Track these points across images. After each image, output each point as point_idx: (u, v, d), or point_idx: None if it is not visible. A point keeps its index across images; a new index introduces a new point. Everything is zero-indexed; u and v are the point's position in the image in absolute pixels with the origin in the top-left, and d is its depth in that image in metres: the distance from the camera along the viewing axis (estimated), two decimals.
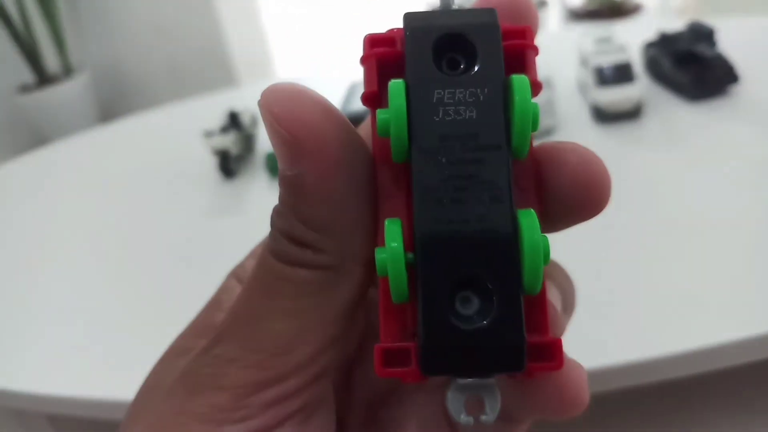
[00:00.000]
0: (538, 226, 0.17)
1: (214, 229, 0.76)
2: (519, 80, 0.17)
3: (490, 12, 0.18)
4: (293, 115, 0.17)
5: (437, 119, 0.17)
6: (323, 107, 0.18)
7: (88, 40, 2.54)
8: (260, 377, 0.19)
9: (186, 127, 0.96)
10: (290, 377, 0.19)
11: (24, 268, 0.77)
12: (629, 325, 0.50)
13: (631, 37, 0.88)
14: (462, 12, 0.18)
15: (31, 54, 2.36)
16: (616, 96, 0.77)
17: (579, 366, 0.20)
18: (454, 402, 0.18)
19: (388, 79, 0.18)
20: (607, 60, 0.79)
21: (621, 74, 0.78)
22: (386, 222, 0.17)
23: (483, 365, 0.17)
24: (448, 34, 0.18)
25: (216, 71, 2.48)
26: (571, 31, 1.15)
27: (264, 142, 0.90)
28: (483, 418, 0.18)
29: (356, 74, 0.95)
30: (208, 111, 0.95)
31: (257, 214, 0.76)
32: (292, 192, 0.19)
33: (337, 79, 1.00)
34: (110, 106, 2.57)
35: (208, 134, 0.83)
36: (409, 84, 0.17)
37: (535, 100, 0.18)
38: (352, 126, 0.19)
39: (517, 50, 0.18)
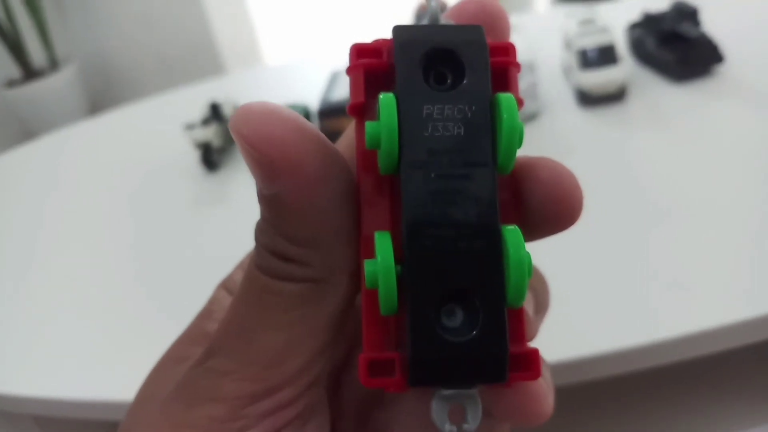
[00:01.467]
0: (523, 242, 0.17)
1: (198, 222, 0.76)
2: (506, 99, 0.17)
3: (477, 29, 0.18)
4: (264, 136, 0.17)
5: (426, 134, 0.17)
6: (295, 125, 0.18)
7: (73, 33, 2.53)
8: (255, 389, 0.19)
9: (172, 119, 0.95)
10: (284, 387, 0.20)
11: (9, 266, 0.77)
12: (613, 313, 0.49)
13: (615, 18, 0.87)
14: (450, 28, 0.18)
15: (15, 48, 2.34)
16: (600, 78, 0.77)
17: (543, 377, 0.20)
18: (438, 412, 0.18)
19: (375, 90, 0.18)
20: (591, 42, 0.78)
21: (605, 56, 0.77)
22: (376, 235, 0.18)
23: (468, 376, 0.18)
24: (438, 49, 0.18)
25: (204, 60, 2.47)
26: (557, 12, 1.14)
27: None
28: (465, 426, 0.18)
29: (338, 62, 0.95)
30: (194, 102, 0.94)
31: (241, 206, 0.76)
32: (272, 210, 0.19)
33: (321, 67, 0.99)
34: (98, 98, 2.55)
35: (189, 127, 0.82)
36: (399, 98, 0.18)
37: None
38: (327, 140, 0.19)
39: (501, 67, 0.19)
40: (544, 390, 0.20)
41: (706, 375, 0.58)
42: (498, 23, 0.21)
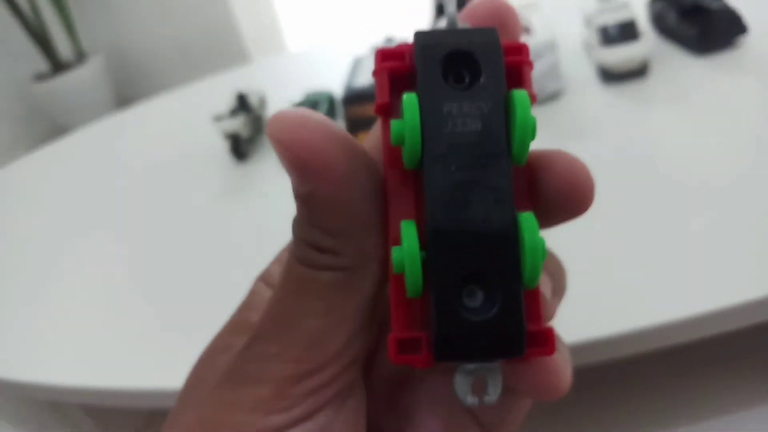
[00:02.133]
0: (538, 227, 0.18)
1: (229, 212, 0.78)
2: (520, 95, 0.19)
3: (492, 31, 0.20)
4: (298, 140, 0.19)
5: (446, 130, 0.19)
6: (325, 128, 0.20)
7: (97, 25, 2.55)
8: (299, 370, 0.21)
9: (198, 110, 0.97)
10: (324, 368, 0.21)
11: (48, 259, 0.79)
12: (640, 289, 0.50)
13: None
14: (467, 31, 0.20)
15: (42, 42, 2.37)
16: (621, 55, 0.77)
17: (560, 354, 0.21)
18: (461, 385, 0.20)
19: (399, 91, 0.20)
20: (612, 18, 0.78)
21: (626, 32, 0.77)
22: (402, 223, 0.19)
23: (489, 352, 0.19)
24: (456, 51, 0.19)
25: (226, 47, 2.48)
26: None
27: None
28: (486, 398, 0.20)
29: (361, 47, 0.95)
30: (219, 91, 0.96)
31: (270, 195, 0.78)
32: (307, 206, 0.21)
33: (343, 52, 1.00)
34: (124, 89, 2.58)
35: (218, 118, 0.84)
36: (421, 98, 0.19)
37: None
38: (354, 140, 0.20)
39: (515, 66, 0.20)
40: (562, 365, 0.21)
41: (698, 359, 0.59)
42: (508, 21, 0.22)
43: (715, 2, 0.79)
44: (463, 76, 0.19)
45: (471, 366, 0.20)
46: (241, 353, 0.22)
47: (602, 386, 0.60)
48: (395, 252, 0.19)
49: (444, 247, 0.19)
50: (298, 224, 0.22)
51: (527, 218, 0.19)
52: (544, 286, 0.23)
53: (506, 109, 0.19)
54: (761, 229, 0.52)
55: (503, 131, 0.19)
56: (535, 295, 0.20)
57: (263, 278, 0.28)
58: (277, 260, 0.28)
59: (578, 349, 0.47)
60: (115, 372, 0.58)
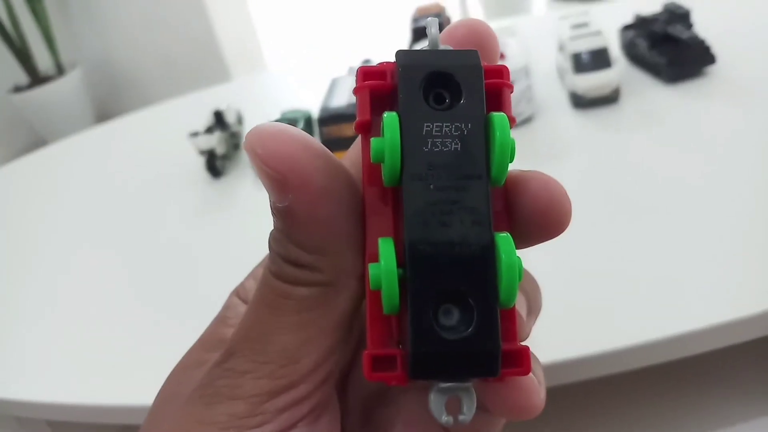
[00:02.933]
0: (514, 248, 0.19)
1: (204, 229, 0.78)
2: (499, 118, 0.19)
3: (473, 54, 0.20)
4: (276, 154, 0.19)
5: (426, 149, 0.19)
6: (304, 142, 0.20)
7: (78, 38, 2.55)
8: (273, 386, 0.21)
9: (177, 126, 0.97)
10: (300, 384, 0.21)
11: (17, 272, 0.79)
12: (609, 314, 0.51)
13: (609, 20, 0.88)
14: (448, 53, 0.20)
15: (22, 54, 2.36)
16: (593, 82, 0.78)
17: (534, 374, 0.21)
18: (436, 404, 0.20)
19: (380, 109, 0.20)
20: (585, 45, 0.80)
21: (598, 60, 0.79)
22: (380, 240, 0.19)
23: (463, 371, 0.19)
24: (437, 72, 0.20)
25: (208, 63, 2.48)
26: (551, 15, 1.15)
27: None
28: (461, 417, 0.20)
29: (339, 69, 0.96)
30: (199, 108, 0.97)
31: (245, 212, 0.78)
32: (285, 221, 0.21)
33: (323, 72, 1.01)
34: (104, 102, 2.57)
35: (194, 134, 0.84)
36: (402, 117, 0.19)
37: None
38: (333, 156, 0.21)
39: (495, 88, 0.20)
40: (535, 385, 0.21)
41: (695, 373, 0.60)
42: (487, 43, 0.22)
43: (685, 32, 0.81)
44: (443, 97, 0.20)
45: (445, 385, 0.20)
46: (214, 369, 0.22)
47: (594, 403, 0.60)
48: (372, 269, 0.19)
49: (421, 265, 0.19)
50: (275, 239, 0.21)
51: (504, 239, 0.19)
52: (520, 305, 0.23)
53: (485, 130, 0.19)
54: (728, 251, 0.54)
55: (482, 152, 0.19)
56: (510, 314, 0.20)
57: (237, 293, 0.28)
58: (252, 275, 0.28)
59: (556, 368, 0.48)
60: (84, 388, 0.58)
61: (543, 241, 0.22)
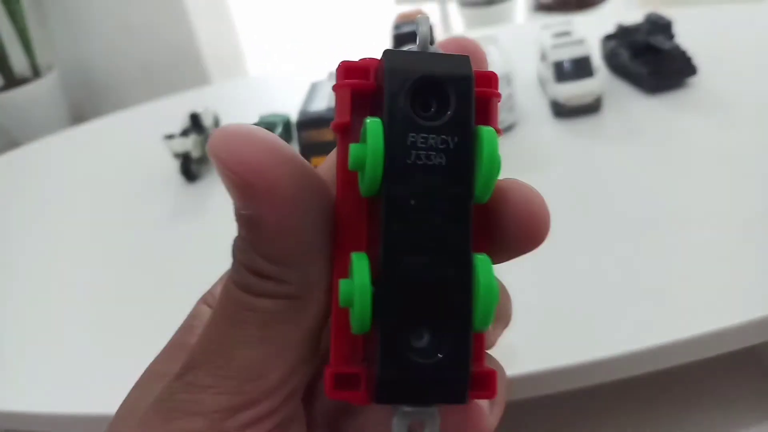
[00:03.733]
0: (492, 270, 0.18)
1: (177, 233, 0.76)
2: (488, 132, 0.18)
3: (464, 61, 0.19)
4: (241, 159, 0.18)
5: (409, 162, 0.18)
6: (272, 146, 0.18)
7: (55, 41, 2.52)
8: (234, 402, 0.20)
9: (153, 129, 0.95)
10: (263, 400, 0.20)
11: None
12: (588, 324, 0.50)
13: (591, 30, 0.88)
14: (439, 57, 0.19)
15: None
16: (575, 91, 0.78)
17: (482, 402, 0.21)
18: (399, 427, 0.19)
19: (360, 110, 0.19)
20: (566, 54, 0.79)
21: (580, 69, 0.78)
22: (353, 256, 0.18)
23: (430, 396, 0.18)
24: (427, 78, 0.18)
25: (187, 69, 2.46)
26: (533, 24, 1.15)
27: None
28: None
29: (319, 73, 0.95)
30: (176, 112, 0.95)
31: (220, 217, 0.76)
32: (249, 229, 0.19)
33: (303, 77, 1.00)
34: (81, 106, 2.54)
35: (169, 137, 0.82)
36: (386, 125, 0.18)
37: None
38: (304, 161, 0.19)
39: (484, 98, 0.19)
40: (485, 410, 0.21)
41: (685, 383, 0.59)
42: (475, 57, 0.21)
43: (666, 43, 0.81)
44: (429, 104, 0.18)
45: (410, 409, 0.19)
46: (174, 382, 0.21)
47: (578, 414, 0.59)
48: (343, 285, 0.17)
49: (396, 286, 0.18)
50: (239, 247, 0.20)
51: (482, 261, 0.18)
52: None
53: (473, 144, 0.18)
54: (709, 260, 0.53)
55: (468, 168, 0.18)
56: (480, 335, 0.19)
57: (205, 300, 0.26)
58: (221, 281, 0.27)
59: (538, 379, 0.47)
60: (47, 397, 0.56)
61: (520, 253, 0.21)
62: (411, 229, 0.18)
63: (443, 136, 0.18)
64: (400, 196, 0.18)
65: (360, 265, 0.18)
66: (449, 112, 0.18)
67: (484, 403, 0.21)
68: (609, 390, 0.55)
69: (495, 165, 0.18)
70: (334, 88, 0.19)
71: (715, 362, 0.50)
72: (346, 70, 0.19)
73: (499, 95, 0.20)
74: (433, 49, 0.20)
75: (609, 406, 0.60)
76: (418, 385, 0.18)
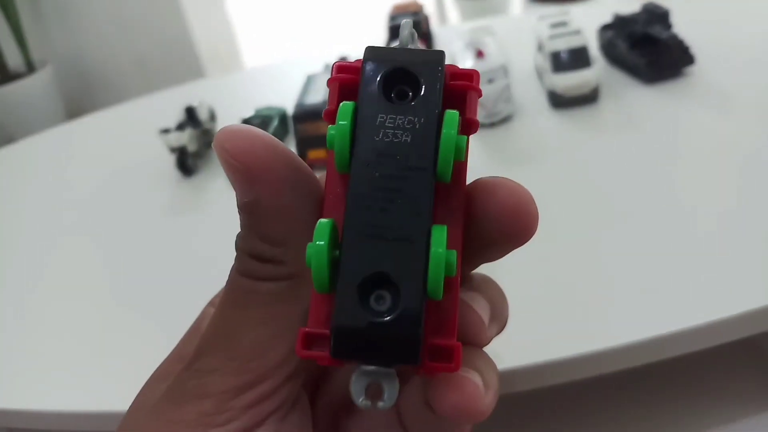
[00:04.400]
0: (445, 240, 0.19)
1: (174, 228, 0.76)
2: (450, 115, 0.20)
3: (438, 54, 0.21)
4: (243, 149, 0.21)
5: (377, 139, 0.20)
6: (268, 141, 0.21)
7: (49, 36, 2.51)
8: (239, 382, 0.22)
9: (149, 123, 0.94)
10: (266, 379, 0.22)
11: None
12: (584, 316, 0.50)
13: (588, 20, 0.88)
14: (415, 52, 0.21)
15: None
16: (572, 81, 0.77)
17: (479, 376, 0.22)
18: (356, 385, 0.20)
19: (348, 100, 0.21)
20: (564, 44, 0.79)
21: (577, 59, 0.78)
22: (319, 221, 0.20)
23: (383, 355, 0.20)
24: (397, 68, 0.21)
25: (183, 62, 2.46)
26: (530, 14, 1.15)
27: None
28: (380, 404, 0.20)
29: (315, 66, 0.95)
30: (171, 106, 0.94)
31: (216, 212, 0.76)
32: (250, 215, 0.22)
33: (299, 70, 0.99)
34: (75, 101, 2.54)
35: (164, 131, 0.82)
36: (359, 106, 0.20)
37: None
38: (295, 154, 0.22)
39: (461, 90, 0.21)
40: (478, 390, 0.22)
41: (679, 375, 0.59)
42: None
43: (664, 32, 0.80)
44: (407, 93, 0.20)
45: (368, 368, 0.20)
46: (183, 372, 0.22)
47: (577, 407, 0.59)
48: (308, 248, 0.19)
49: (353, 245, 0.19)
50: (242, 237, 0.22)
51: (438, 230, 0.19)
52: (482, 310, 0.24)
53: (438, 126, 0.20)
54: (706, 251, 0.53)
55: (431, 147, 0.20)
56: (447, 308, 0.20)
57: (213, 303, 0.28)
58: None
59: (532, 372, 0.47)
60: (46, 394, 0.56)
61: (510, 249, 0.23)
62: (374, 198, 0.20)
63: (410, 117, 0.20)
64: (365, 167, 0.20)
65: (321, 227, 0.19)
66: (418, 97, 0.20)
67: (479, 384, 0.22)
68: (607, 382, 0.55)
69: (453, 143, 0.19)
70: (328, 82, 0.22)
71: (715, 353, 0.49)
72: (339, 68, 0.21)
73: (477, 90, 0.21)
74: (413, 47, 0.22)
75: (607, 398, 0.60)
76: (372, 342, 0.19)
